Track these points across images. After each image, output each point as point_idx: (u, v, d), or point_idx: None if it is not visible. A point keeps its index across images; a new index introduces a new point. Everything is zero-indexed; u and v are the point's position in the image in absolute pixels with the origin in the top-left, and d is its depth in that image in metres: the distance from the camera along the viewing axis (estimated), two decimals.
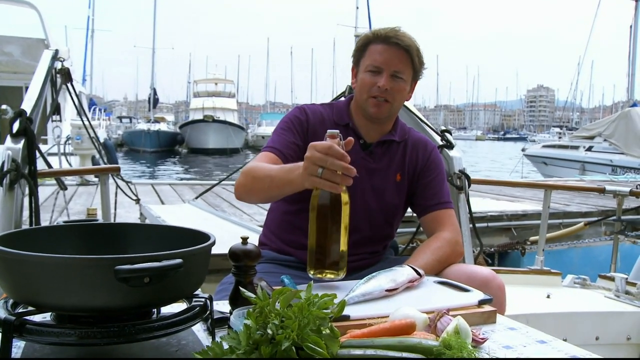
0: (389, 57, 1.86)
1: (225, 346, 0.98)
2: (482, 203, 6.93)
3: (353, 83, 1.99)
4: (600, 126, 18.46)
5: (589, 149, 18.25)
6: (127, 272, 0.96)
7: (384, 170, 1.98)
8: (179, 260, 1.01)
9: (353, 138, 1.80)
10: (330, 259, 1.47)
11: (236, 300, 1.26)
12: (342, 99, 2.04)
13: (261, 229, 2.19)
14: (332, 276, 1.48)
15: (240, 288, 1.18)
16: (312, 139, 1.89)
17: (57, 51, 3.05)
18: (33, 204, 2.42)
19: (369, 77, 1.88)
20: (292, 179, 1.53)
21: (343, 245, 1.48)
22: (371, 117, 1.93)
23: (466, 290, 1.56)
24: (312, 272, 1.50)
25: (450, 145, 2.73)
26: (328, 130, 1.45)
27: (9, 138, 2.34)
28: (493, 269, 3.65)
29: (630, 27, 25.71)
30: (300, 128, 1.93)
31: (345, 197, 1.44)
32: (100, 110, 25.50)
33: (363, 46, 1.92)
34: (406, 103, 2.96)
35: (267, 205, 2.13)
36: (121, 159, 26.29)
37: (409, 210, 2.11)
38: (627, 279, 3.16)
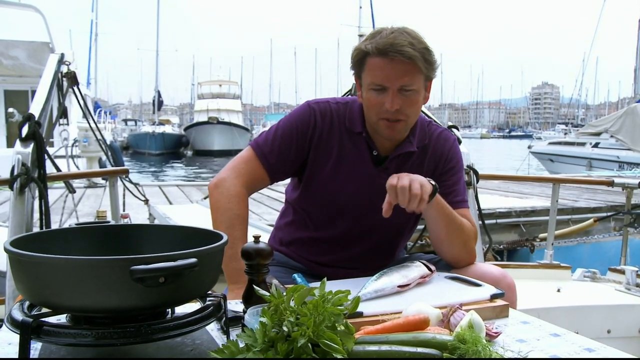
0: (392, 73, 1.64)
1: (241, 344, 0.98)
2: (491, 200, 6.92)
3: (359, 96, 1.79)
4: (606, 122, 18.35)
5: (596, 145, 18.17)
6: (143, 272, 0.97)
7: None
8: (193, 260, 1.01)
9: (364, 149, 1.77)
10: None
11: (249, 299, 1.27)
12: (356, 97, 1.84)
13: (270, 228, 2.17)
14: None
15: (254, 286, 1.18)
16: (317, 145, 1.78)
17: (63, 55, 3.06)
18: (43, 207, 2.43)
19: (374, 97, 1.68)
20: (227, 270, 1.63)
21: None
22: (387, 138, 1.76)
23: (478, 285, 1.56)
24: None
25: (457, 141, 2.72)
26: None
27: (18, 142, 2.35)
28: (503, 264, 3.66)
29: (639, 20, 25.53)
30: (302, 141, 1.78)
31: None
32: (105, 113, 25.55)
33: (360, 61, 1.71)
34: None
35: (276, 205, 2.13)
36: (127, 162, 26.33)
37: None
38: (637, 271, 3.15)
